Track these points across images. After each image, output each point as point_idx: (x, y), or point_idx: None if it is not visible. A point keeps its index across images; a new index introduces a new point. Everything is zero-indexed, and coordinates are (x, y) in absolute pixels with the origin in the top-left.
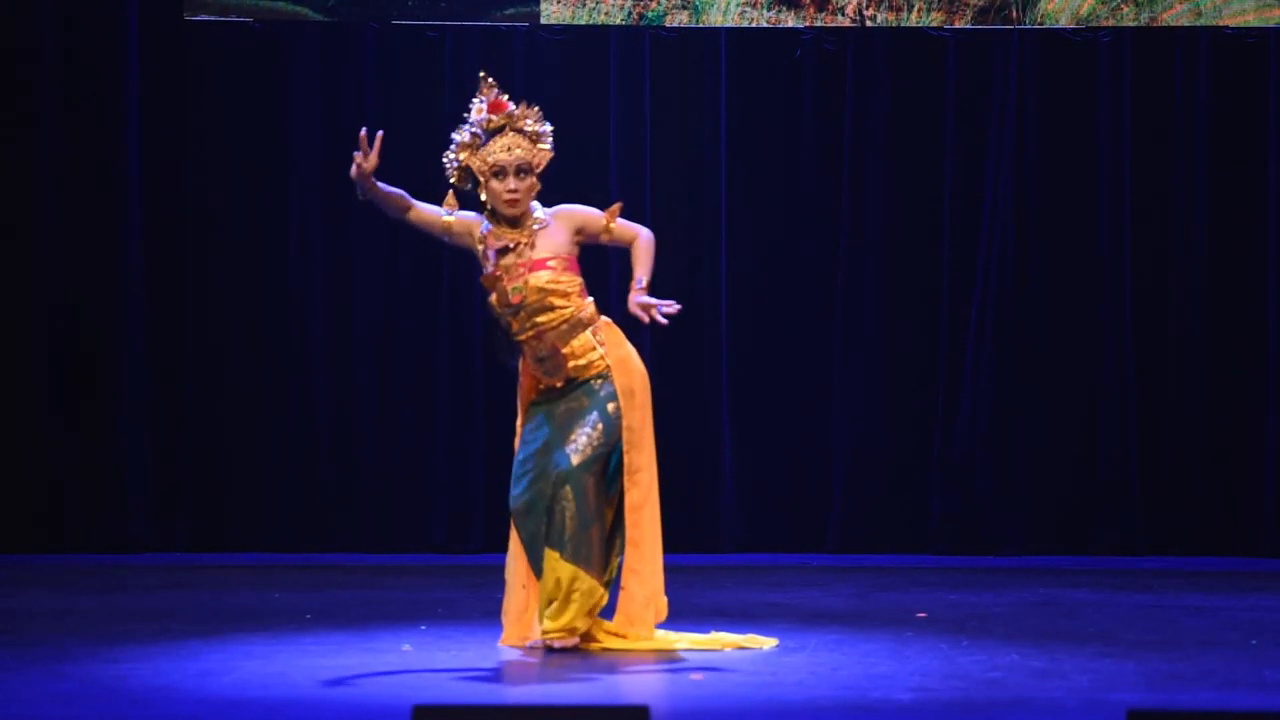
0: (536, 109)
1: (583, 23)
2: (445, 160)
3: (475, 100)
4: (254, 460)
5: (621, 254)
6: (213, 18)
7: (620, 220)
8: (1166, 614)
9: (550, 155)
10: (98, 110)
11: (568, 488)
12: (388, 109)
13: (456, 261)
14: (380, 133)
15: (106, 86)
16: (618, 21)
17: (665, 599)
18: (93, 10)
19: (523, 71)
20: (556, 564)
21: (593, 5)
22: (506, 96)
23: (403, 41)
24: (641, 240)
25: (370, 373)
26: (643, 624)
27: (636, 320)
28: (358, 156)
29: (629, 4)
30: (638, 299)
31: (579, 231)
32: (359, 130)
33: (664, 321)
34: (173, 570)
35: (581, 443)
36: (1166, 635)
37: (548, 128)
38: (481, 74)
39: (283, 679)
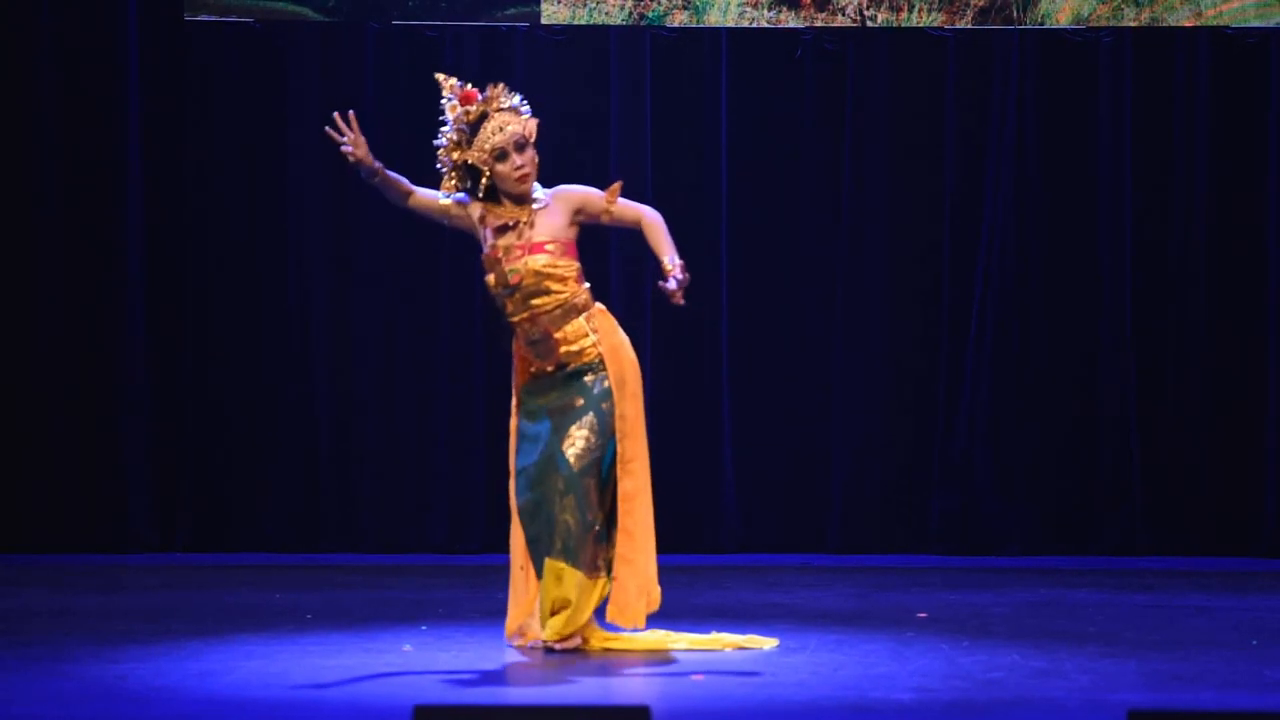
0: (502, 85)
1: (583, 23)
2: (440, 167)
3: (444, 100)
4: (254, 460)
5: (623, 241)
6: (213, 18)
7: (621, 200)
8: (1167, 614)
9: (537, 122)
10: (98, 110)
11: (571, 497)
12: (388, 109)
13: (457, 261)
14: (350, 112)
15: (106, 86)
16: (618, 21)
17: (659, 589)
18: (93, 10)
19: (523, 72)
20: (565, 573)
21: (593, 5)
22: (471, 84)
23: (403, 41)
24: (648, 220)
25: (370, 372)
26: (634, 613)
27: (632, 310)
28: (345, 148)
29: (629, 4)
30: (675, 276)
31: (579, 212)
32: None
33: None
34: (173, 570)
35: (580, 447)
36: (1167, 635)
37: (519, 97)
38: (438, 75)
39: (283, 679)
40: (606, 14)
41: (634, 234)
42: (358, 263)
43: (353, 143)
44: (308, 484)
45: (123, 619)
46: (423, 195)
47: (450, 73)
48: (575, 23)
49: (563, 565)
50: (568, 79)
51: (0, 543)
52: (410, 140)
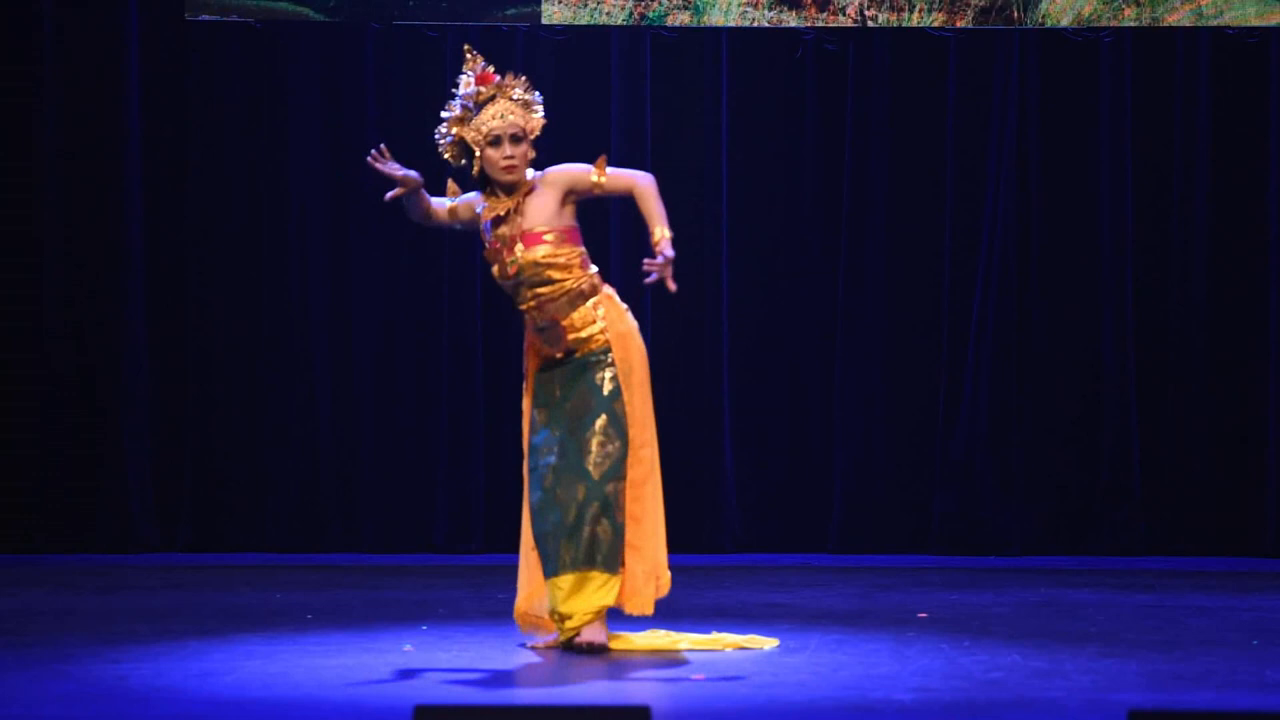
0: (524, 78)
1: (583, 23)
2: (437, 136)
3: (462, 74)
4: (254, 461)
5: (624, 229)
6: (213, 18)
7: (611, 169)
8: (1168, 614)
9: (543, 121)
10: (98, 110)
11: (596, 504)
12: (388, 109)
13: (456, 261)
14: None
15: (106, 86)
16: (619, 22)
17: (669, 574)
18: (93, 10)
19: (523, 72)
20: (606, 584)
21: (594, 5)
22: (493, 68)
23: (403, 41)
24: (640, 187)
25: (370, 373)
26: (643, 599)
27: (639, 292)
28: (398, 174)
29: (630, 4)
30: (664, 253)
31: (570, 192)
32: (359, 130)
33: (672, 288)
34: (173, 570)
35: (598, 455)
36: (1168, 635)
37: (537, 95)
38: (466, 47)
39: (284, 679)
40: (607, 14)
41: (638, 226)
42: (358, 262)
43: (405, 175)
44: (308, 484)
45: (123, 619)
46: (435, 207)
47: (451, 73)
48: (575, 23)
49: (604, 577)
50: (568, 79)
51: (0, 543)
52: (410, 140)
